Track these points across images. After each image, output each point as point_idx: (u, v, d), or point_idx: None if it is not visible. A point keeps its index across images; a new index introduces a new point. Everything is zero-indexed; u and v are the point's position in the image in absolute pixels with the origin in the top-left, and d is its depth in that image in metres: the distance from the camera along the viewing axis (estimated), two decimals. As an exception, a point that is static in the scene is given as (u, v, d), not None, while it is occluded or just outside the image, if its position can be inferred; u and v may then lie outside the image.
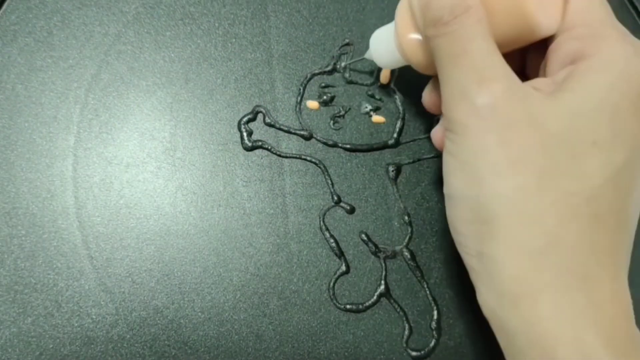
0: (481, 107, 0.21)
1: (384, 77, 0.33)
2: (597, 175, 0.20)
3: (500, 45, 0.22)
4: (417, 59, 0.26)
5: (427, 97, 0.28)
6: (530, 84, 0.23)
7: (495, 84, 0.21)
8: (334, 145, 0.32)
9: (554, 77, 0.23)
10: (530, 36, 0.24)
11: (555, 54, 0.23)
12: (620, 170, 0.21)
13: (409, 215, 0.32)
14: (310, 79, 0.33)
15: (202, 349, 0.29)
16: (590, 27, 0.22)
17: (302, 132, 0.32)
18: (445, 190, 0.23)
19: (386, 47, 0.28)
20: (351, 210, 0.31)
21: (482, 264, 0.22)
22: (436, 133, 0.27)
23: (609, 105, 0.21)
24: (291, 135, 0.32)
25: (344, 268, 0.31)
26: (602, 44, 0.22)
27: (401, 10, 0.26)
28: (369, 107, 0.33)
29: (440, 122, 0.26)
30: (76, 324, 0.29)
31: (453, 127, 0.22)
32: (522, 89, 0.21)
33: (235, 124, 0.32)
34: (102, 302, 0.29)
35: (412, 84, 0.33)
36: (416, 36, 0.25)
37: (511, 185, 0.20)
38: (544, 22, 0.23)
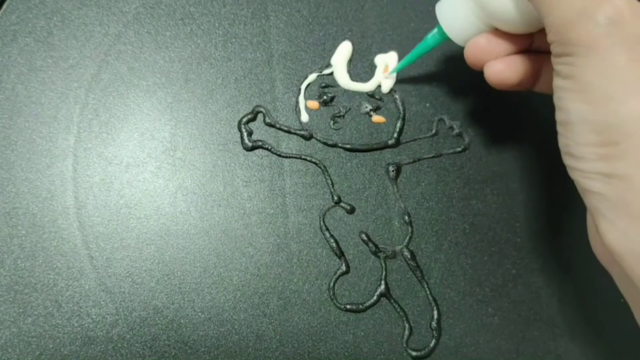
0: (606, 23, 0.20)
1: (386, 87, 0.33)
2: None
3: None
4: (509, 11, 0.25)
5: (481, 48, 0.27)
6: None
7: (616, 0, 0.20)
8: (334, 145, 0.32)
9: None
10: None
11: None
12: None
13: (409, 215, 0.32)
14: (309, 82, 0.33)
15: (202, 349, 0.29)
16: None
17: (302, 132, 0.32)
18: (560, 117, 0.22)
19: (464, 13, 0.27)
20: (351, 210, 0.31)
21: (611, 186, 0.21)
22: (477, 45, 0.27)
23: None
24: (291, 135, 0.32)
25: (344, 268, 0.31)
26: None
27: None
28: (369, 107, 0.33)
29: (478, 36, 0.26)
30: (76, 324, 0.29)
31: (572, 49, 0.21)
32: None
33: (235, 124, 0.32)
34: (102, 302, 0.29)
35: (412, 84, 0.33)
36: None
37: None
38: None
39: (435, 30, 0.29)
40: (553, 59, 0.22)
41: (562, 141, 0.23)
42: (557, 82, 0.22)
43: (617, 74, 0.20)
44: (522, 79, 0.27)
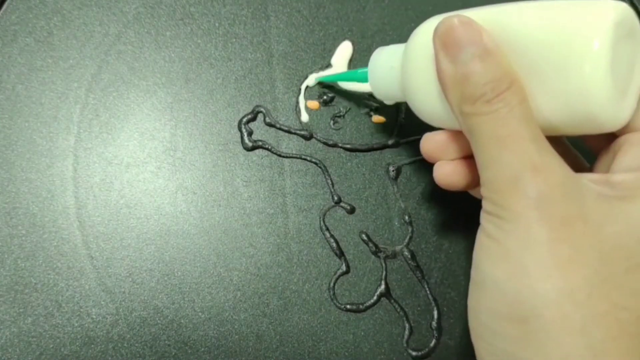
0: (535, 198, 0.19)
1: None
2: None
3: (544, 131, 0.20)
4: (432, 117, 0.24)
5: (436, 145, 0.25)
6: (584, 177, 0.21)
7: (551, 174, 0.19)
8: (334, 145, 0.32)
9: (611, 176, 0.21)
10: (584, 130, 0.21)
11: (621, 153, 0.21)
12: None
13: (409, 215, 0.32)
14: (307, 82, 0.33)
15: (202, 349, 0.29)
16: None
17: (302, 132, 0.32)
18: (475, 275, 0.21)
19: (387, 81, 0.26)
20: (351, 210, 0.31)
21: None
22: (431, 141, 0.25)
23: None
24: (291, 135, 0.32)
25: (344, 268, 0.31)
26: None
27: (416, 55, 0.23)
28: (369, 107, 0.33)
29: (434, 132, 0.25)
30: (76, 324, 0.29)
31: (499, 212, 0.20)
32: (578, 182, 0.20)
33: (236, 124, 0.32)
34: (103, 302, 0.29)
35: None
36: (436, 94, 0.23)
37: (560, 287, 0.18)
38: (607, 117, 0.20)
39: (367, 69, 0.28)
40: (482, 214, 0.21)
41: (473, 305, 0.21)
42: (481, 239, 0.21)
43: (537, 251, 0.19)
44: (470, 184, 0.25)
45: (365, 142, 0.32)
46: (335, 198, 0.31)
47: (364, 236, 0.31)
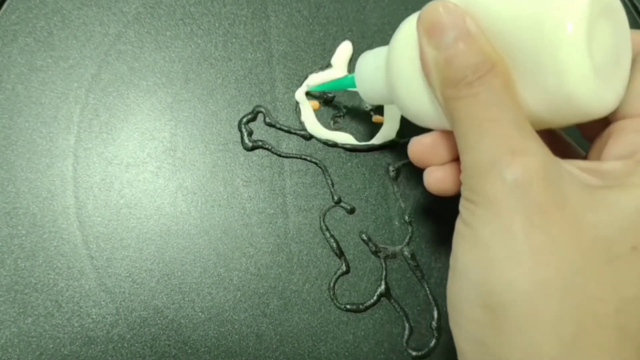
0: (512, 182, 0.18)
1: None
2: (632, 286, 0.18)
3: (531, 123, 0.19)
4: (418, 115, 0.24)
5: (425, 149, 0.25)
6: (568, 164, 0.20)
7: (530, 157, 0.18)
8: (334, 145, 0.32)
9: (601, 164, 0.20)
10: (570, 119, 0.20)
11: (612, 141, 0.21)
12: None
13: (409, 215, 0.32)
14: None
15: (203, 349, 0.29)
16: None
17: (302, 132, 0.32)
18: (451, 261, 0.21)
19: (374, 83, 0.26)
20: (351, 210, 0.31)
21: (480, 355, 0.19)
22: (419, 144, 0.24)
23: None
24: (291, 135, 0.32)
25: (344, 268, 0.31)
26: None
27: (400, 49, 0.23)
28: (369, 107, 0.33)
29: (422, 135, 0.24)
30: (76, 324, 0.29)
31: (475, 198, 0.19)
32: (559, 168, 0.19)
33: (236, 124, 0.32)
34: (103, 302, 0.29)
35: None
36: (421, 88, 0.22)
37: (531, 277, 0.18)
38: (590, 103, 0.19)
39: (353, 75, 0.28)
40: (461, 200, 0.21)
41: (449, 288, 0.21)
42: (457, 226, 0.21)
43: (509, 238, 0.18)
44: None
45: (365, 142, 0.32)
46: (335, 198, 0.31)
47: (364, 236, 0.31)
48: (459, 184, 0.23)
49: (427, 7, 0.21)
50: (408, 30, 0.23)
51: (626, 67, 0.20)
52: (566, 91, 0.19)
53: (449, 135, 0.23)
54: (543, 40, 0.19)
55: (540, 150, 0.19)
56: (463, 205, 0.21)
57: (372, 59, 0.26)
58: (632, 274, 0.18)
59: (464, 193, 0.21)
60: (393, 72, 0.24)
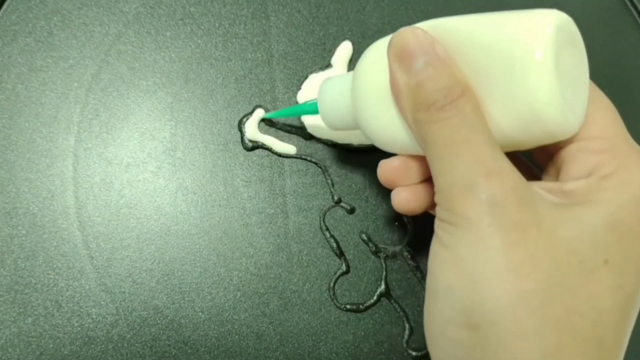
0: (489, 202, 0.19)
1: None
2: (607, 298, 0.19)
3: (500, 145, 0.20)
4: (385, 140, 0.24)
5: (393, 171, 0.25)
6: (537, 185, 0.21)
7: (504, 179, 0.19)
8: (334, 145, 0.32)
9: (563, 184, 0.21)
10: (538, 139, 0.21)
11: (568, 163, 0.21)
12: (630, 296, 0.19)
13: (409, 215, 0.32)
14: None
15: (203, 349, 0.29)
16: (610, 141, 0.21)
17: (302, 132, 0.32)
18: (430, 283, 0.21)
19: (338, 109, 0.26)
20: (351, 210, 0.31)
21: None
22: (388, 167, 0.25)
23: (623, 225, 0.19)
24: (291, 135, 0.32)
25: (344, 268, 0.31)
26: (621, 163, 0.20)
27: (367, 74, 0.24)
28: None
29: (390, 158, 0.25)
30: (76, 324, 0.29)
31: (452, 219, 0.20)
32: (530, 188, 0.20)
33: (236, 124, 0.32)
34: (103, 302, 0.29)
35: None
36: (389, 113, 0.23)
37: (513, 291, 0.18)
38: (559, 126, 0.20)
39: (315, 100, 0.28)
40: (436, 222, 0.21)
41: (428, 312, 0.21)
42: (435, 247, 0.21)
43: (490, 256, 0.19)
44: (429, 206, 0.25)
45: (365, 142, 0.32)
46: (335, 198, 0.31)
47: (364, 236, 0.31)
48: (425, 203, 0.25)
49: (398, 33, 0.22)
50: (375, 56, 0.24)
51: (585, 93, 0.22)
52: (536, 113, 0.20)
53: (416, 158, 0.25)
54: (514, 65, 0.19)
55: (512, 171, 0.20)
56: (439, 227, 0.21)
57: (334, 85, 0.26)
58: (605, 286, 0.19)
59: (439, 214, 0.21)
60: (360, 97, 0.24)
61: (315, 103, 0.27)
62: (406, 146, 0.24)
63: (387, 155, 0.25)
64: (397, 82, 0.22)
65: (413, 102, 0.21)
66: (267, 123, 0.32)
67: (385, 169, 0.25)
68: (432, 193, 0.23)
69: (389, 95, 0.23)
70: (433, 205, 0.24)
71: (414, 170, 0.25)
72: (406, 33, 0.21)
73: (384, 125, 0.24)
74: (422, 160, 0.24)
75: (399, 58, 0.21)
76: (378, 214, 0.31)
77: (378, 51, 0.23)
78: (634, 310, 0.20)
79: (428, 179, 0.25)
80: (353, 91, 0.25)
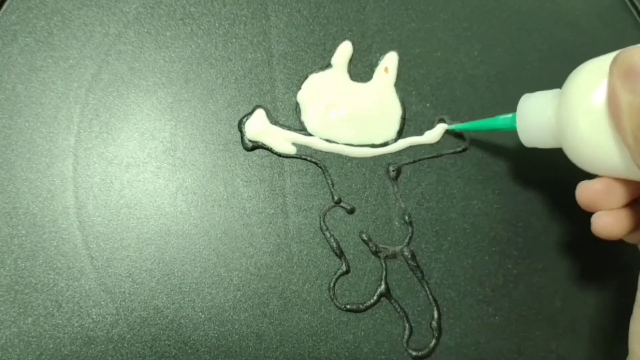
0: None
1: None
2: None
3: None
4: (594, 161, 0.23)
5: (595, 194, 0.24)
6: None
7: None
8: (334, 145, 0.32)
9: None
10: None
11: None
12: None
13: (409, 215, 0.32)
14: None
15: (203, 349, 0.29)
16: None
17: (302, 132, 0.32)
18: None
19: (540, 128, 0.26)
20: (351, 210, 0.31)
21: None
22: (589, 190, 0.24)
23: None
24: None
25: (344, 268, 0.31)
26: None
27: (577, 95, 0.23)
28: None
29: (592, 181, 0.24)
30: (76, 324, 0.29)
31: None
32: None
33: (235, 124, 0.32)
34: (103, 302, 0.29)
35: (412, 84, 0.33)
36: (602, 134, 0.22)
37: None
38: None
39: (510, 116, 0.28)
40: None
41: (634, 327, 0.21)
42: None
43: None
44: (630, 234, 0.25)
45: (365, 142, 0.32)
46: (335, 198, 0.31)
47: (364, 236, 0.31)
48: (627, 228, 0.24)
49: (625, 51, 0.21)
50: (588, 76, 0.23)
51: None
52: None
53: (621, 181, 0.24)
54: None
55: None
56: None
57: (536, 102, 0.26)
58: None
59: None
60: (568, 116, 0.24)
61: (509, 119, 0.28)
62: (616, 168, 0.23)
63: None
64: (618, 101, 0.21)
65: (636, 123, 0.20)
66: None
67: (586, 192, 0.24)
68: (635, 218, 0.22)
69: (603, 115, 0.22)
70: (634, 230, 0.24)
71: (618, 194, 0.24)
72: (635, 51, 0.21)
73: (593, 145, 0.23)
74: (628, 183, 0.24)
75: (624, 76, 0.21)
76: (378, 214, 0.31)
77: (591, 72, 0.23)
78: None
79: (630, 203, 0.24)
80: (560, 110, 0.24)
